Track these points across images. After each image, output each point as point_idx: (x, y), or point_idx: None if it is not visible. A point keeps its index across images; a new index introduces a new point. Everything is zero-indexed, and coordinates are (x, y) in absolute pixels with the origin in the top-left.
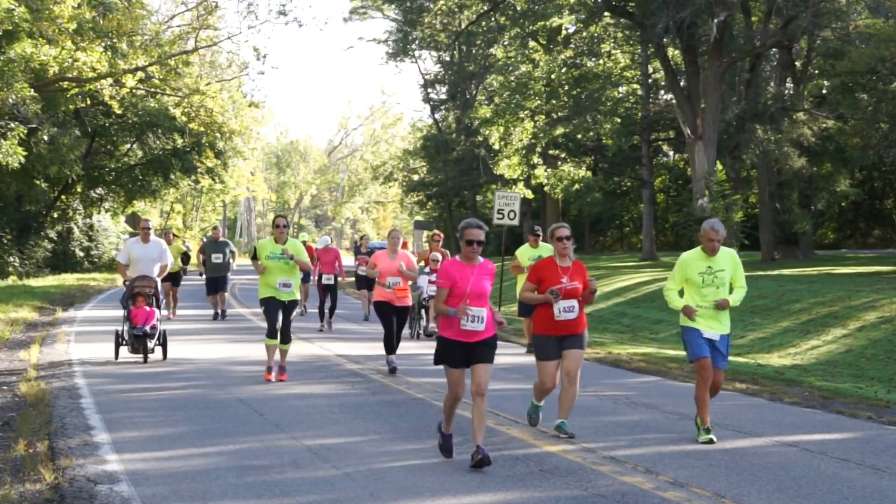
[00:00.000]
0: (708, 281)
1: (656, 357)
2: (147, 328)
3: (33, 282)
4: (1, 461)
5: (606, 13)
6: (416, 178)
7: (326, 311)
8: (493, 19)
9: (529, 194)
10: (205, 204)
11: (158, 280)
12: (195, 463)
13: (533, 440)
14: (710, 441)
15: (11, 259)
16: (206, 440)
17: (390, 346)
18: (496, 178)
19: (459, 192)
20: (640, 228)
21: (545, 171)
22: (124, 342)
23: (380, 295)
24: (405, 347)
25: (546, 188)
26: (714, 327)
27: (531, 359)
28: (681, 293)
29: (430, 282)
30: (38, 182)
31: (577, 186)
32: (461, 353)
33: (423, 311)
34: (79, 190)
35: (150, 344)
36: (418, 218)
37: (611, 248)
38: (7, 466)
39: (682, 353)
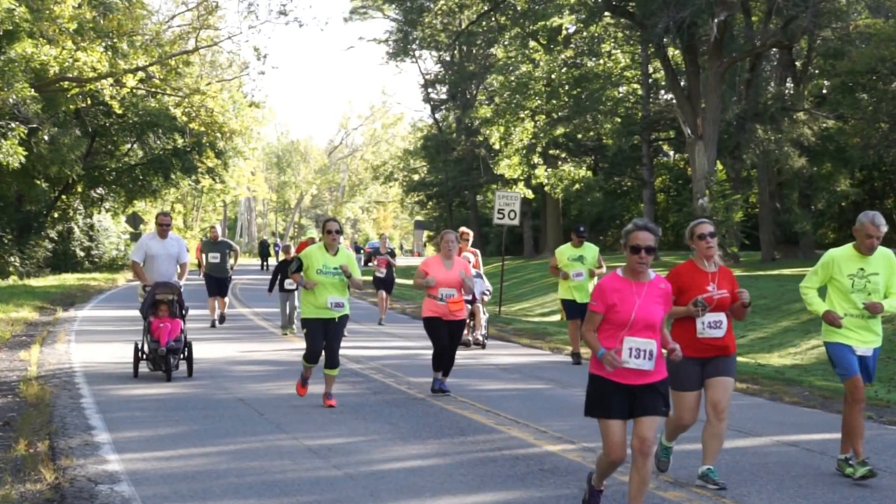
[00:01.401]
0: (859, 285)
1: None
2: (172, 343)
3: (34, 282)
4: (1, 461)
5: (606, 13)
6: (416, 178)
7: None
8: (493, 19)
9: (530, 194)
10: (205, 204)
11: (182, 284)
12: (196, 463)
13: (533, 440)
14: (871, 474)
15: (12, 259)
16: (207, 440)
17: (439, 364)
18: (496, 177)
19: (460, 192)
20: None
21: (545, 170)
22: (144, 357)
23: (431, 309)
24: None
25: (546, 188)
26: (868, 340)
27: (532, 359)
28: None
29: None
30: (38, 182)
31: (577, 186)
32: (621, 398)
33: None
34: (79, 190)
35: (174, 360)
36: (418, 218)
37: (611, 248)
38: (8, 466)
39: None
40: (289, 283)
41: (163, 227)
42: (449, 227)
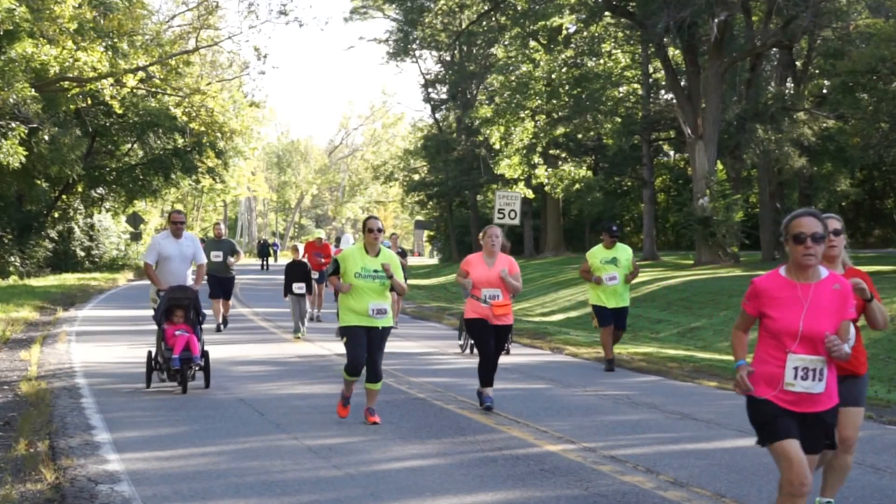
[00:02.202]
0: None
1: (657, 357)
2: (192, 356)
3: (34, 281)
4: (2, 461)
5: (607, 13)
6: (416, 177)
7: None
8: (493, 19)
9: (530, 194)
10: (205, 204)
11: (198, 288)
12: (196, 463)
13: (534, 440)
14: None
15: (12, 259)
16: (207, 440)
17: (487, 377)
18: (497, 177)
19: (460, 192)
20: (640, 228)
21: (546, 170)
22: (158, 366)
23: (473, 311)
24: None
25: (546, 188)
26: None
27: (532, 359)
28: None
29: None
30: (38, 182)
31: (577, 186)
32: (789, 418)
33: None
34: (80, 190)
35: (190, 371)
36: (419, 218)
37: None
38: (8, 466)
39: (683, 352)
40: (297, 288)
41: (177, 224)
42: (450, 227)
